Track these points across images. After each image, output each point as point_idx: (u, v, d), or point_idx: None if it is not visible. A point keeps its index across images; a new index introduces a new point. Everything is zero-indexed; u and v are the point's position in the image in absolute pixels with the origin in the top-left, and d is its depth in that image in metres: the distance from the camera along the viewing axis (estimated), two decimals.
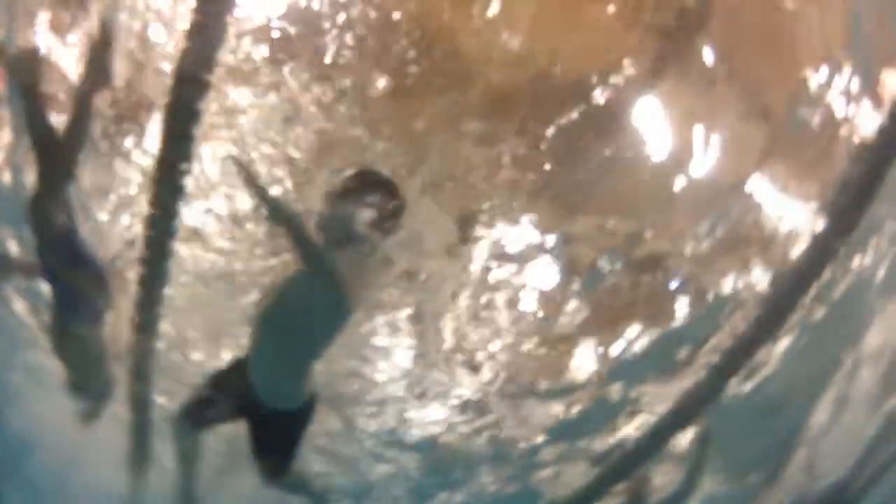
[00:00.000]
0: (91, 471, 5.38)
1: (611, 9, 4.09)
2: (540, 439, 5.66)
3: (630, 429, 5.34)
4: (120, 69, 3.99)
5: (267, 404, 3.74)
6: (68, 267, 4.02)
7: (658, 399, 5.09)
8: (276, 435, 3.94)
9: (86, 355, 4.40)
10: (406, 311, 5.05)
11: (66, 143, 3.68)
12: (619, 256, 4.89)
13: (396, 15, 3.98)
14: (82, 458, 5.37)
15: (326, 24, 3.89)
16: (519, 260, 4.90)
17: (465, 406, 5.55)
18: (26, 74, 3.72)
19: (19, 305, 4.89)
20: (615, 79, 4.16)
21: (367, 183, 3.60)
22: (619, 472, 5.30)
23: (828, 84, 4.27)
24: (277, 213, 3.52)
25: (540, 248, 4.85)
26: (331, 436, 5.56)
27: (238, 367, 3.84)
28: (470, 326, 5.15)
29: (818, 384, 5.13)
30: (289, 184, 4.16)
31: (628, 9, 4.07)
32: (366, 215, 3.50)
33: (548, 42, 4.00)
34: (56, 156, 3.76)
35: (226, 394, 3.86)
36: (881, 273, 4.62)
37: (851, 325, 4.87)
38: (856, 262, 4.53)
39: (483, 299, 5.02)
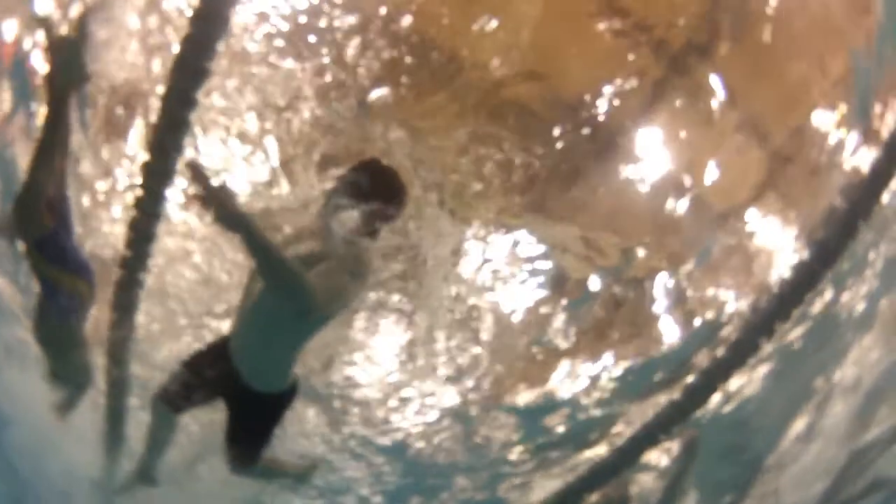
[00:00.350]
0: (66, 450, 5.37)
1: (615, 25, 4.10)
2: (515, 452, 5.66)
3: (604, 447, 5.34)
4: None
5: (250, 386, 3.66)
6: (55, 265, 4.02)
7: (635, 418, 5.09)
8: (255, 418, 3.85)
9: (67, 347, 4.41)
10: (394, 315, 5.06)
11: (46, 138, 3.66)
12: (609, 274, 4.88)
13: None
14: (58, 437, 5.35)
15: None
16: (508, 271, 4.91)
17: (444, 413, 5.55)
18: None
19: None
20: (614, 96, 4.20)
21: (373, 173, 3.55)
22: (589, 484, 5.29)
23: (826, 119, 4.31)
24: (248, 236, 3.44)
25: (529, 261, 4.86)
26: (306, 434, 5.54)
27: (220, 346, 3.77)
28: (455, 335, 5.15)
29: (789, 411, 5.15)
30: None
31: (631, 26, 4.08)
32: (368, 205, 3.46)
33: (549, 56, 4.03)
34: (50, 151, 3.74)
35: (207, 373, 3.75)
36: (859, 307, 4.64)
37: (825, 356, 4.89)
38: (833, 293, 4.55)
39: (470, 306, 5.03)
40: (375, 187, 3.48)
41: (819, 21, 4.22)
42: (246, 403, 3.76)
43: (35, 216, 3.71)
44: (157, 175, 3.39)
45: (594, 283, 4.93)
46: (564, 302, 5.01)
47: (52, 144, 3.52)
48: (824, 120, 4.36)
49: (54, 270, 3.94)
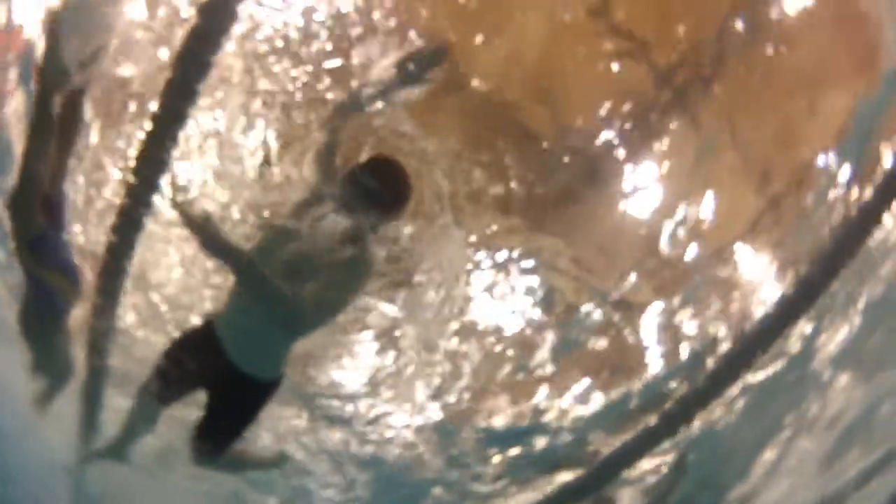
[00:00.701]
0: (42, 433, 5.35)
1: (617, 46, 4.12)
2: (491, 467, 5.64)
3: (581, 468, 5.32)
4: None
5: (241, 371, 3.65)
6: (44, 264, 4.03)
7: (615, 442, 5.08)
8: (241, 405, 3.84)
9: (50, 341, 4.42)
10: (381, 321, 5.05)
11: (35, 136, 3.67)
12: (598, 298, 4.88)
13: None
14: (34, 420, 5.32)
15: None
16: (498, 286, 4.90)
17: (423, 427, 5.52)
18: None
19: None
20: (612, 119, 4.22)
21: (380, 169, 3.60)
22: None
23: (825, 162, 4.33)
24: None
25: (521, 273, 4.85)
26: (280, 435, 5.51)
27: (203, 332, 3.77)
28: (441, 349, 5.13)
29: (760, 444, 5.15)
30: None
31: (633, 49, 4.10)
32: (375, 201, 3.53)
33: (549, 74, 4.06)
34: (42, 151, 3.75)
35: (193, 361, 3.74)
36: (835, 344, 4.64)
37: (801, 392, 4.89)
38: (810, 330, 4.56)
39: (459, 321, 5.02)
40: (383, 183, 3.55)
41: (823, 62, 4.25)
42: (233, 389, 3.74)
43: (30, 217, 3.72)
44: (151, 164, 3.40)
45: (584, 308, 4.93)
46: (553, 325, 5.00)
47: (41, 142, 3.54)
48: (821, 160, 4.38)
49: (42, 269, 3.95)
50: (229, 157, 4.54)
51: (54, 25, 3.58)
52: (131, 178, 3.36)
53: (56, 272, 4.03)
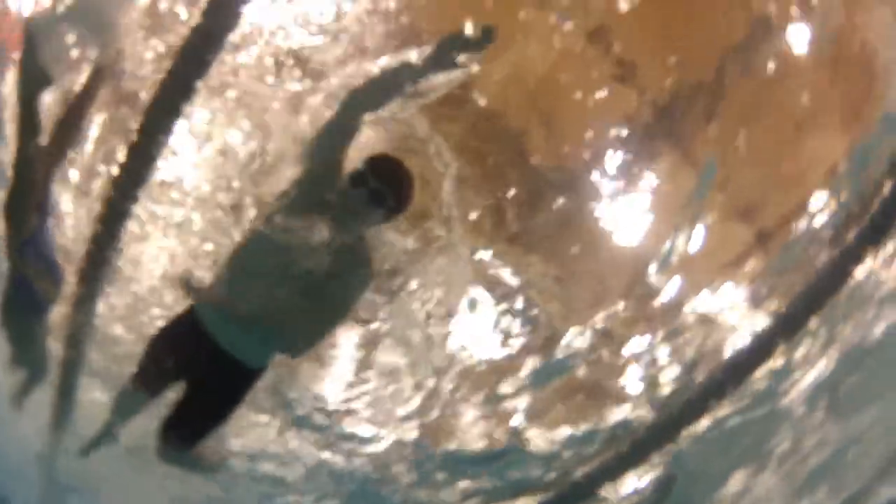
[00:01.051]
0: (14, 423, 5.33)
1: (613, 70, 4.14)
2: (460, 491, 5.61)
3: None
4: None
5: (226, 353, 3.60)
6: (30, 263, 4.05)
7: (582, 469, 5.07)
8: (220, 392, 3.79)
9: (30, 337, 4.44)
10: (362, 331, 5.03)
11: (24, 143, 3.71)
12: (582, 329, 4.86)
13: None
14: (5, 411, 5.30)
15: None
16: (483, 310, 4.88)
17: (396, 443, 5.48)
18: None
19: None
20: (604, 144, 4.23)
21: (386, 172, 3.58)
22: None
23: (814, 202, 4.35)
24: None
25: (504, 297, 4.84)
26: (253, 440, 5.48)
27: (187, 318, 3.71)
28: (420, 367, 5.10)
29: (726, 474, 5.13)
30: None
31: (629, 76, 4.11)
32: (377, 203, 3.52)
33: (546, 93, 4.07)
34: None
35: (180, 349, 3.70)
36: (811, 383, 4.65)
37: (769, 427, 4.89)
38: (785, 366, 4.54)
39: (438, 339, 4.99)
40: (389, 185, 3.54)
41: (820, 102, 4.27)
42: (217, 376, 3.70)
43: (24, 218, 3.75)
44: (140, 157, 3.42)
45: (567, 335, 4.90)
46: (535, 351, 4.98)
47: (30, 145, 3.57)
48: (813, 201, 4.39)
49: (28, 267, 3.97)
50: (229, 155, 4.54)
51: (30, 31, 3.62)
52: (120, 171, 3.39)
53: (40, 270, 4.05)
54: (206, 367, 3.67)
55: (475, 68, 3.74)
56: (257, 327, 3.60)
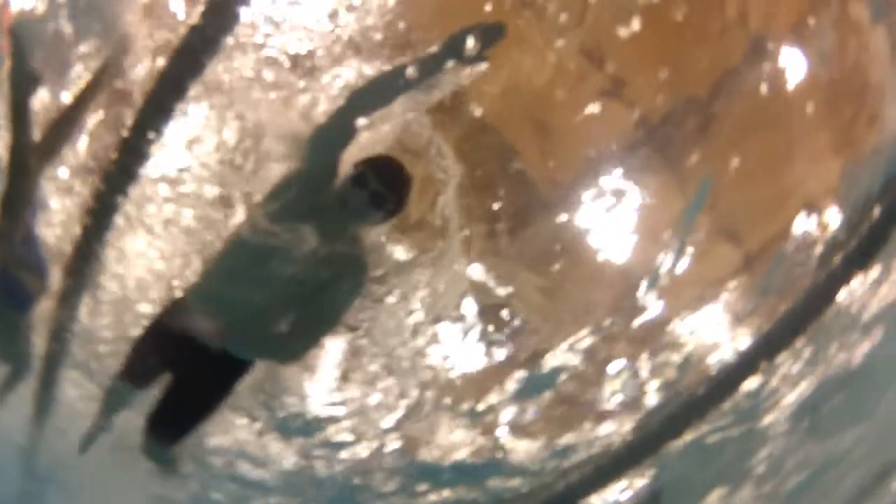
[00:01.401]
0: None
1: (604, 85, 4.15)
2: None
3: None
4: None
5: (221, 349, 3.53)
6: (17, 261, 4.06)
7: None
8: (208, 384, 3.75)
9: (14, 333, 4.44)
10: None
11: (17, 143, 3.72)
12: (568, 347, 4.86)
13: None
14: None
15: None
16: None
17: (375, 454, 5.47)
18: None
19: None
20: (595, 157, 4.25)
21: (384, 173, 3.57)
22: None
23: (806, 228, 4.37)
24: None
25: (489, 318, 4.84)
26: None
27: (176, 310, 3.68)
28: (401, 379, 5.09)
29: (703, 492, 5.14)
30: None
31: (620, 92, 4.13)
32: (374, 201, 3.51)
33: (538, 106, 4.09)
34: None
35: (169, 342, 3.64)
36: (791, 403, 4.66)
37: (749, 446, 4.91)
38: (764, 385, 4.57)
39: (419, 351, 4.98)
40: (389, 187, 3.53)
41: (814, 128, 4.28)
42: (205, 368, 3.65)
43: (15, 217, 3.76)
44: (131, 153, 3.42)
45: (552, 352, 4.90)
46: (520, 366, 4.98)
47: (25, 146, 3.57)
48: (802, 223, 4.41)
49: (14, 263, 3.98)
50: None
51: (16, 34, 3.63)
52: (111, 165, 3.38)
53: (27, 266, 4.05)
54: (194, 359, 3.63)
55: (485, 66, 3.70)
56: (245, 321, 3.58)
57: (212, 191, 4.21)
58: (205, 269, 3.74)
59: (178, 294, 3.87)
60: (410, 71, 3.66)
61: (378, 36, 3.82)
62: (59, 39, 3.84)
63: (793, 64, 4.10)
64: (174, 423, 3.87)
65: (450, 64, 3.66)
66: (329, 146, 3.58)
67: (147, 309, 4.32)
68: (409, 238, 4.51)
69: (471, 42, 3.59)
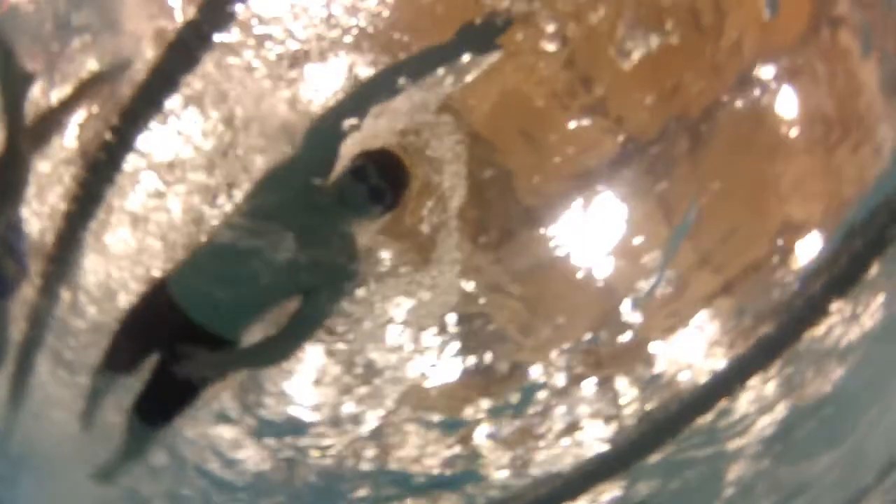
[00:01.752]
0: None
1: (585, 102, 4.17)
2: None
3: None
4: None
5: (199, 324, 3.51)
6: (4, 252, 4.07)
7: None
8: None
9: None
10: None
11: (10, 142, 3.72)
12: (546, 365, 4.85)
13: None
14: None
15: None
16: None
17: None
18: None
19: None
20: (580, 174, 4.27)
21: (385, 167, 3.53)
22: None
23: (790, 255, 4.40)
24: None
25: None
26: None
27: (158, 293, 3.64)
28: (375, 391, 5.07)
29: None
30: None
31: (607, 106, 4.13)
32: (374, 196, 3.47)
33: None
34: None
35: (153, 326, 3.62)
36: (766, 422, 4.67)
37: (717, 468, 4.90)
38: (737, 404, 4.57)
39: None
40: (389, 181, 3.49)
41: (802, 157, 4.31)
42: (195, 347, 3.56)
43: (11, 213, 3.77)
44: (118, 144, 3.43)
45: (531, 369, 4.88)
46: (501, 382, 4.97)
47: (14, 136, 3.59)
48: (786, 251, 4.43)
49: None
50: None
51: (2, 27, 3.65)
52: (99, 156, 3.39)
53: (10, 255, 4.06)
54: (179, 340, 3.56)
55: (492, 58, 3.67)
56: (230, 301, 3.54)
57: (199, 182, 4.20)
58: (190, 256, 3.70)
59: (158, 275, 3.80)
60: (422, 62, 3.64)
61: (372, 29, 3.81)
62: (52, 32, 3.86)
63: (782, 91, 4.13)
64: (161, 404, 3.83)
65: (464, 55, 3.60)
66: (329, 138, 3.53)
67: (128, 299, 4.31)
68: (398, 244, 4.50)
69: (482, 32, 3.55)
